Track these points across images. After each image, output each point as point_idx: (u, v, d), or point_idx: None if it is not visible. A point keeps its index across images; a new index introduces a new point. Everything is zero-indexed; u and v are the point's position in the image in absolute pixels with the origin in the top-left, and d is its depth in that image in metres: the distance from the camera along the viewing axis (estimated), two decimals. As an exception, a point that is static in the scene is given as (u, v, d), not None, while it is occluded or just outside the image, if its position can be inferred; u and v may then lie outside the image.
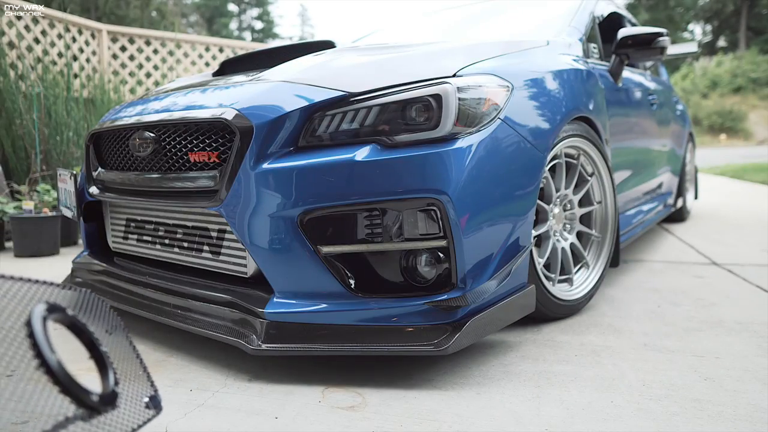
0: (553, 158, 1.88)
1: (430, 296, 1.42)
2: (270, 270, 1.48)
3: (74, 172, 2.18)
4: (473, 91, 1.51)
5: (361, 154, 1.42)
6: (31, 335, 0.75)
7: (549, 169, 1.89)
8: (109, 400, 0.80)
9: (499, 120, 1.54)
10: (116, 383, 0.85)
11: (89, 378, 0.84)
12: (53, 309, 0.82)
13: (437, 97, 1.45)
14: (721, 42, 35.42)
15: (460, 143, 1.44)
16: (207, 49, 6.94)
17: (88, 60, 5.90)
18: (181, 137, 1.64)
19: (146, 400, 0.93)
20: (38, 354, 0.73)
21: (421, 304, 1.41)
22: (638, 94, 2.94)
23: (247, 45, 7.53)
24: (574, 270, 2.05)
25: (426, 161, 1.40)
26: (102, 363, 0.86)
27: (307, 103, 1.50)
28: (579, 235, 2.11)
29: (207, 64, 6.88)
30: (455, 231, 1.40)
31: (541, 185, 1.79)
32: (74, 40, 5.68)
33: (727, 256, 2.97)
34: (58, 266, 3.03)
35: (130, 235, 2.00)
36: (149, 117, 1.75)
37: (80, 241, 3.73)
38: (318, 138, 1.49)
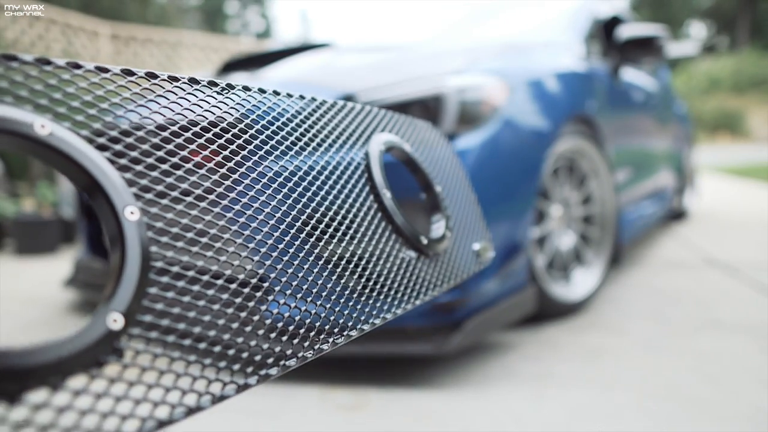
0: (554, 158, 1.88)
1: (431, 296, 1.42)
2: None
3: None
4: (473, 92, 1.51)
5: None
6: (368, 170, 0.74)
7: (549, 170, 1.89)
8: (436, 243, 0.78)
9: (500, 120, 1.54)
10: (448, 228, 0.84)
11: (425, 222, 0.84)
12: (391, 143, 0.82)
13: (437, 98, 1.45)
14: (722, 42, 35.41)
15: (461, 143, 1.44)
16: (208, 49, 6.95)
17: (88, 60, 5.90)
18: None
19: (476, 247, 0.89)
20: (373, 188, 0.73)
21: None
22: (638, 94, 2.94)
23: (248, 45, 7.53)
24: (575, 270, 2.05)
25: (426, 161, 1.40)
26: (435, 203, 0.85)
27: (307, 104, 1.50)
28: (580, 234, 2.11)
29: (208, 63, 6.88)
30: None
31: (541, 185, 1.79)
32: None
33: (727, 256, 2.97)
34: (58, 265, 3.03)
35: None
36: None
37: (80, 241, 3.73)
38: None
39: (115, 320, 0.42)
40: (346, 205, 0.69)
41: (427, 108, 1.45)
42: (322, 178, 0.68)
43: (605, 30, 2.74)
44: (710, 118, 19.96)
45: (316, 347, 0.57)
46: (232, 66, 2.22)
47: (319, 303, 0.61)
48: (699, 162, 6.17)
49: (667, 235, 3.72)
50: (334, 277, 0.64)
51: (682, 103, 4.49)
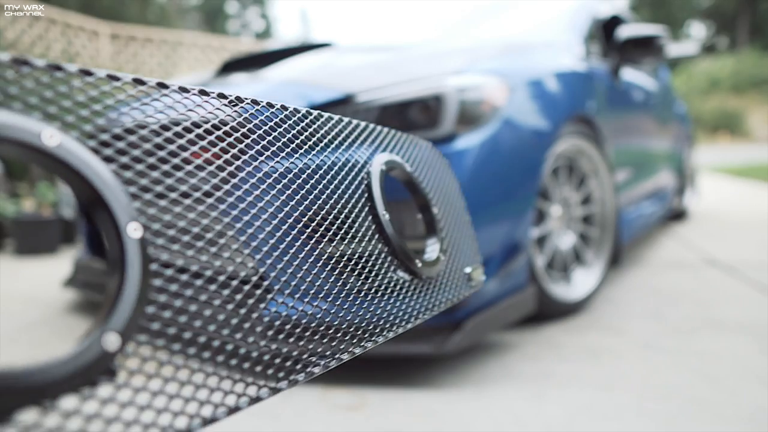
0: (553, 158, 1.88)
1: (431, 296, 1.42)
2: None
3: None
4: (473, 92, 1.51)
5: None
6: (368, 186, 0.74)
7: (549, 170, 1.89)
8: (430, 266, 0.78)
9: (500, 120, 1.54)
10: (442, 251, 0.83)
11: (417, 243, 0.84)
12: (393, 163, 0.81)
13: (437, 98, 1.45)
14: (722, 42, 35.41)
15: (461, 143, 1.44)
16: (208, 49, 6.95)
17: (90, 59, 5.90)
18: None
19: (468, 270, 0.89)
20: (371, 208, 0.73)
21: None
22: (638, 94, 2.94)
23: (248, 45, 7.53)
24: (574, 270, 2.05)
25: (426, 161, 1.40)
26: (432, 226, 0.84)
27: (308, 103, 1.50)
28: (579, 234, 2.11)
29: (208, 63, 6.88)
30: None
31: (542, 185, 1.79)
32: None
33: (727, 256, 2.97)
34: (58, 265, 3.03)
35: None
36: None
37: (80, 241, 3.73)
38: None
39: (112, 341, 0.41)
40: (345, 225, 0.69)
41: (427, 108, 1.45)
42: (324, 197, 0.67)
43: (605, 30, 2.74)
44: (710, 118, 19.96)
45: (307, 370, 0.57)
46: (232, 66, 2.22)
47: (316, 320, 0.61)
48: (699, 162, 6.17)
49: (667, 235, 3.72)
50: (331, 294, 0.64)
51: (682, 103, 4.49)
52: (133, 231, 0.44)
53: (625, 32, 2.57)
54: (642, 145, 2.96)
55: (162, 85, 0.53)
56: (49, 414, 0.38)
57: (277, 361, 0.54)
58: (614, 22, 2.88)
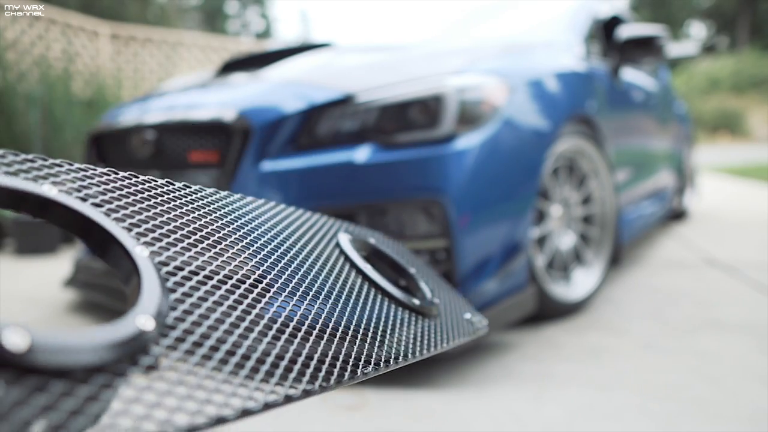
0: (553, 158, 1.88)
1: (431, 296, 1.42)
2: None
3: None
4: (473, 92, 1.51)
5: (362, 154, 1.42)
6: (344, 254, 0.82)
7: (549, 170, 1.89)
8: (429, 306, 0.81)
9: (499, 120, 1.54)
10: (433, 296, 0.87)
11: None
12: (356, 237, 0.90)
13: (437, 98, 1.45)
14: (722, 42, 35.41)
15: (460, 143, 1.44)
16: (208, 49, 6.95)
17: (90, 59, 5.90)
18: (181, 137, 1.64)
19: (468, 317, 0.92)
20: (353, 266, 0.80)
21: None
22: (638, 94, 2.94)
23: (248, 45, 7.53)
24: (574, 270, 2.05)
25: (426, 161, 1.40)
26: (414, 282, 0.88)
27: (308, 103, 1.50)
28: (579, 234, 2.11)
29: (208, 63, 6.88)
30: (455, 231, 1.40)
31: (542, 185, 1.79)
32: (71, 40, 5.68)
33: (727, 256, 2.97)
34: (57, 265, 3.03)
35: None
36: (150, 117, 1.75)
37: (79, 241, 3.72)
38: (318, 138, 1.49)
39: (145, 323, 0.42)
40: (337, 287, 0.72)
41: (426, 108, 1.45)
42: (316, 269, 0.73)
43: (605, 30, 2.74)
44: (710, 118, 19.96)
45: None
46: (232, 66, 2.22)
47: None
48: (699, 162, 6.17)
49: (667, 235, 3.72)
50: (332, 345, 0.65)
51: (682, 103, 4.49)
52: (141, 251, 0.49)
53: (625, 32, 2.57)
54: (642, 145, 2.96)
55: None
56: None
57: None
58: (614, 22, 2.89)
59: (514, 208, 1.58)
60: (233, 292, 0.55)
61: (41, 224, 3.37)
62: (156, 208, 0.60)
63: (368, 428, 1.18)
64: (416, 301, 0.80)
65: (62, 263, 3.11)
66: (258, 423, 1.21)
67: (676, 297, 2.20)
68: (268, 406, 0.47)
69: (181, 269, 0.52)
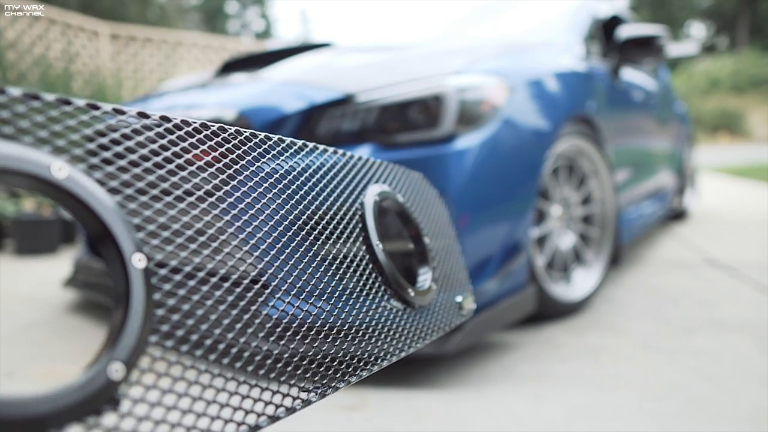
0: (553, 158, 1.88)
1: (431, 296, 1.42)
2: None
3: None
4: (473, 92, 1.51)
5: (362, 154, 1.42)
6: (362, 217, 0.76)
7: (549, 169, 1.89)
8: (423, 295, 0.80)
9: (499, 120, 1.54)
10: (434, 280, 0.85)
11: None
12: (385, 194, 0.83)
13: (437, 98, 1.45)
14: (721, 42, 35.42)
15: (460, 143, 1.44)
16: (208, 49, 6.95)
17: (89, 58, 5.90)
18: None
19: (459, 299, 0.91)
20: (365, 238, 0.75)
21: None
22: (638, 94, 2.94)
23: (248, 45, 7.53)
24: (574, 270, 2.05)
25: (426, 161, 1.40)
26: (424, 255, 0.86)
27: (308, 103, 1.50)
28: (579, 234, 2.11)
29: (208, 63, 6.88)
30: (455, 231, 1.40)
31: (542, 185, 1.79)
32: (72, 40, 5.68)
33: (727, 256, 2.97)
34: (58, 265, 3.03)
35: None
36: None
37: (80, 241, 3.73)
38: (319, 138, 1.49)
39: (117, 370, 0.42)
40: (340, 255, 0.70)
41: (427, 108, 1.45)
42: (319, 228, 0.69)
43: (605, 30, 2.74)
44: (710, 118, 19.96)
45: (291, 407, 0.58)
46: (232, 66, 2.22)
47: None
48: (699, 162, 6.16)
49: (667, 235, 3.72)
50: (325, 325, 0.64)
51: (682, 103, 4.49)
52: (138, 261, 0.46)
53: (625, 32, 2.57)
54: (642, 145, 2.96)
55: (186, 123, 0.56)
56: None
57: (267, 396, 0.55)
58: (614, 22, 2.88)
59: (514, 208, 1.58)
60: (231, 292, 0.54)
61: (41, 224, 3.37)
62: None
63: (368, 428, 1.18)
64: (411, 292, 0.78)
65: (62, 263, 3.11)
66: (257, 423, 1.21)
67: (675, 297, 2.20)
68: None
69: (179, 270, 0.51)
